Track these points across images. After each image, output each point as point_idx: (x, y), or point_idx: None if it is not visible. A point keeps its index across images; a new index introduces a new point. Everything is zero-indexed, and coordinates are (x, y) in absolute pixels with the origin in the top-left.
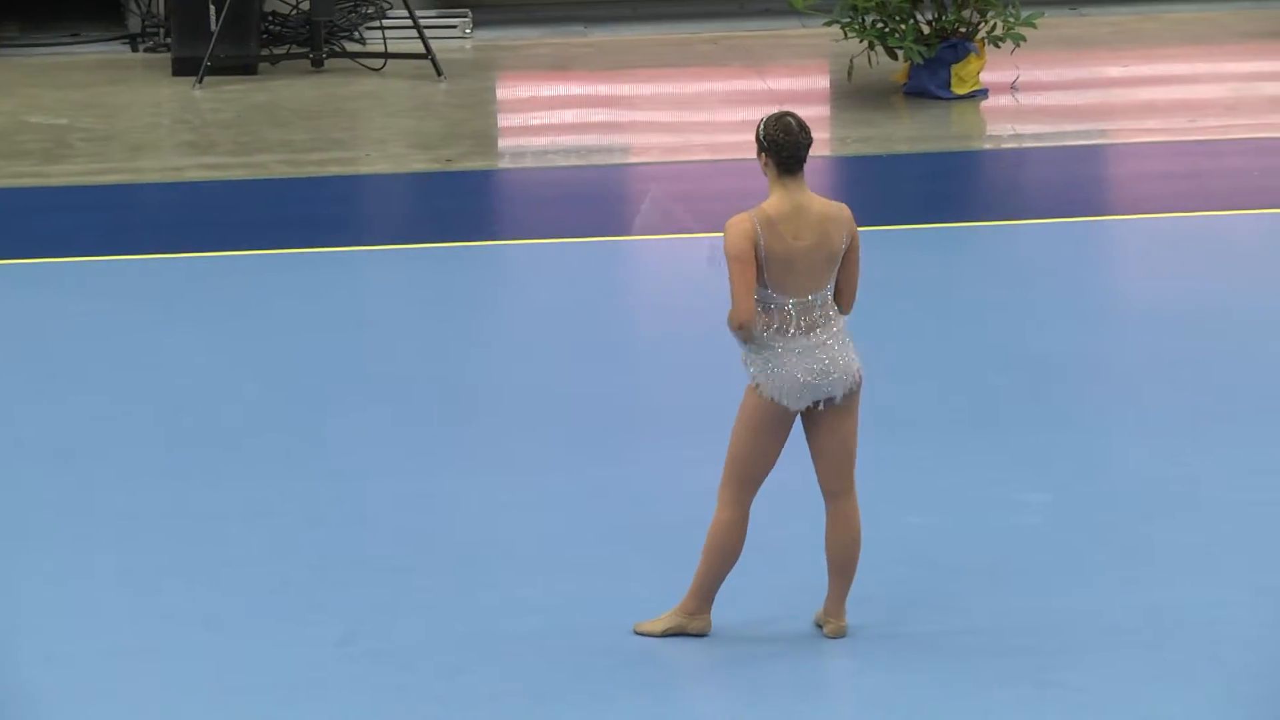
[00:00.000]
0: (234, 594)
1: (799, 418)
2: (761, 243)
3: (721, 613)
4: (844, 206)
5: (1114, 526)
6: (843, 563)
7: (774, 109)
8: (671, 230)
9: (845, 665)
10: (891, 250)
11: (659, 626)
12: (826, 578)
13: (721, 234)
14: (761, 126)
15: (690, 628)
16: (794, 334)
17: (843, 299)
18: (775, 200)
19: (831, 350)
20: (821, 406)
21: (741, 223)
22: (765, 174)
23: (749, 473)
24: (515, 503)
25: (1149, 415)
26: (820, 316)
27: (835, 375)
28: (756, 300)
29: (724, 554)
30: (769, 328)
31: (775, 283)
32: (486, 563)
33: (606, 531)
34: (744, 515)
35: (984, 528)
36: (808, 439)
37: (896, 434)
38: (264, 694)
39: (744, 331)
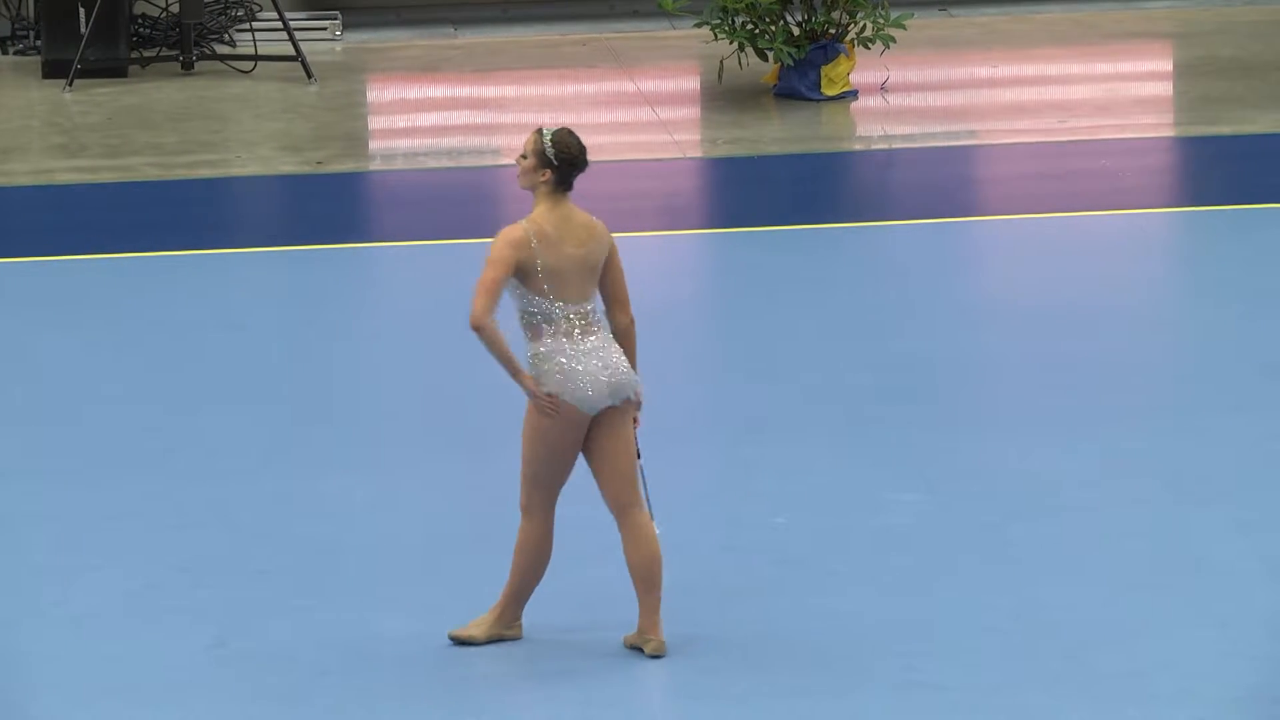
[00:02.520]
0: (102, 596)
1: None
2: (537, 254)
3: (567, 616)
4: (600, 221)
5: (983, 526)
6: (648, 575)
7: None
8: None
9: (705, 665)
10: (762, 252)
11: (481, 635)
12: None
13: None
14: (551, 143)
15: (507, 635)
16: (578, 336)
17: (621, 308)
18: (545, 212)
19: (614, 352)
20: (612, 407)
21: (514, 232)
22: (536, 186)
23: (552, 480)
24: (382, 503)
25: (1019, 415)
26: (593, 323)
27: (624, 374)
28: (538, 313)
29: (534, 563)
30: (554, 336)
31: (554, 291)
32: (353, 564)
33: (469, 532)
34: (551, 524)
35: (853, 528)
36: (590, 454)
37: (765, 435)
38: (133, 695)
39: (480, 334)
